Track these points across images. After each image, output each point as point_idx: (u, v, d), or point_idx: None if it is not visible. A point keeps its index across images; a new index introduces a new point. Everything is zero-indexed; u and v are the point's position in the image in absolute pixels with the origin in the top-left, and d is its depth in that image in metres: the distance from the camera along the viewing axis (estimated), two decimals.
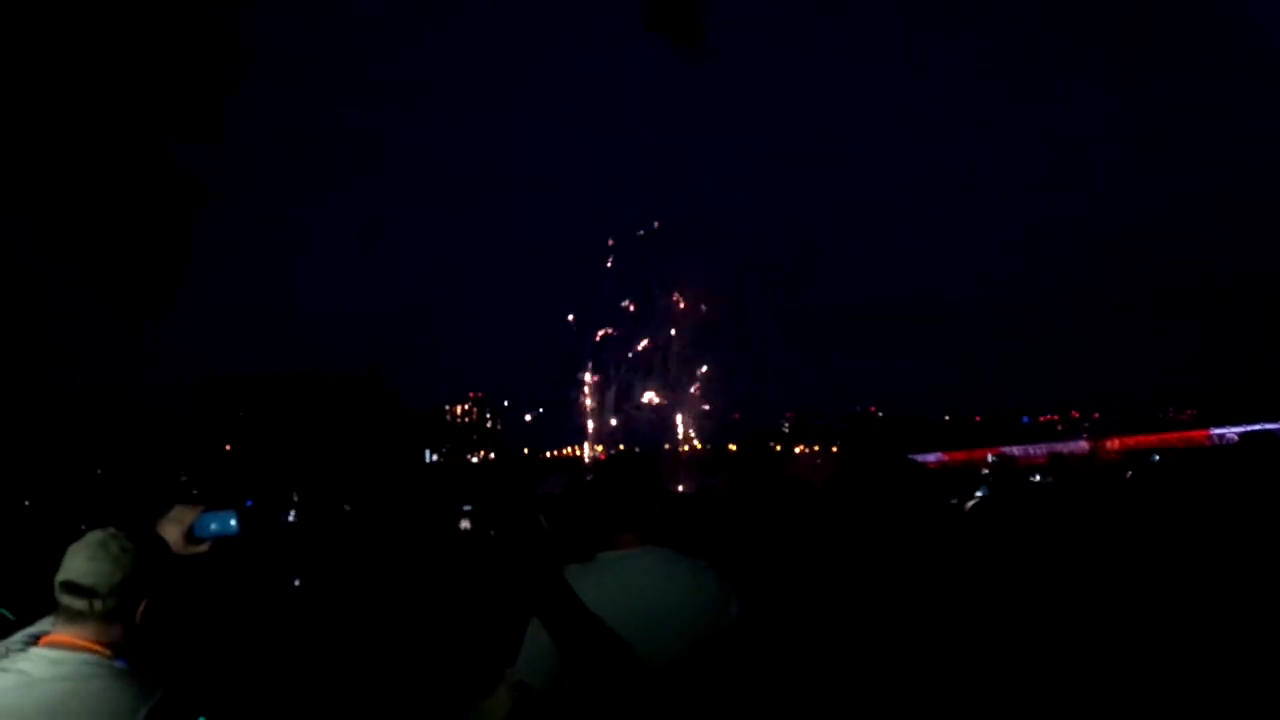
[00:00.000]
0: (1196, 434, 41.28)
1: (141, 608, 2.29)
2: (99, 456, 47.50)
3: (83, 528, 2.61)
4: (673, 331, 56.04)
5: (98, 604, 2.24)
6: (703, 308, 55.07)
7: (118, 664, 2.23)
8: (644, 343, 56.52)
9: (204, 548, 3.05)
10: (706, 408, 57.29)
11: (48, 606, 2.38)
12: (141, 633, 2.31)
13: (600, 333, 56.40)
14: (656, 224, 55.03)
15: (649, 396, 57.91)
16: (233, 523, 3.11)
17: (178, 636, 2.49)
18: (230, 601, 2.89)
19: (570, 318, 55.92)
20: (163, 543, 2.65)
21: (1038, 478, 9.25)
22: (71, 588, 2.26)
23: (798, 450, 76.97)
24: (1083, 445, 44.99)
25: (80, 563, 2.28)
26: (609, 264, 55.46)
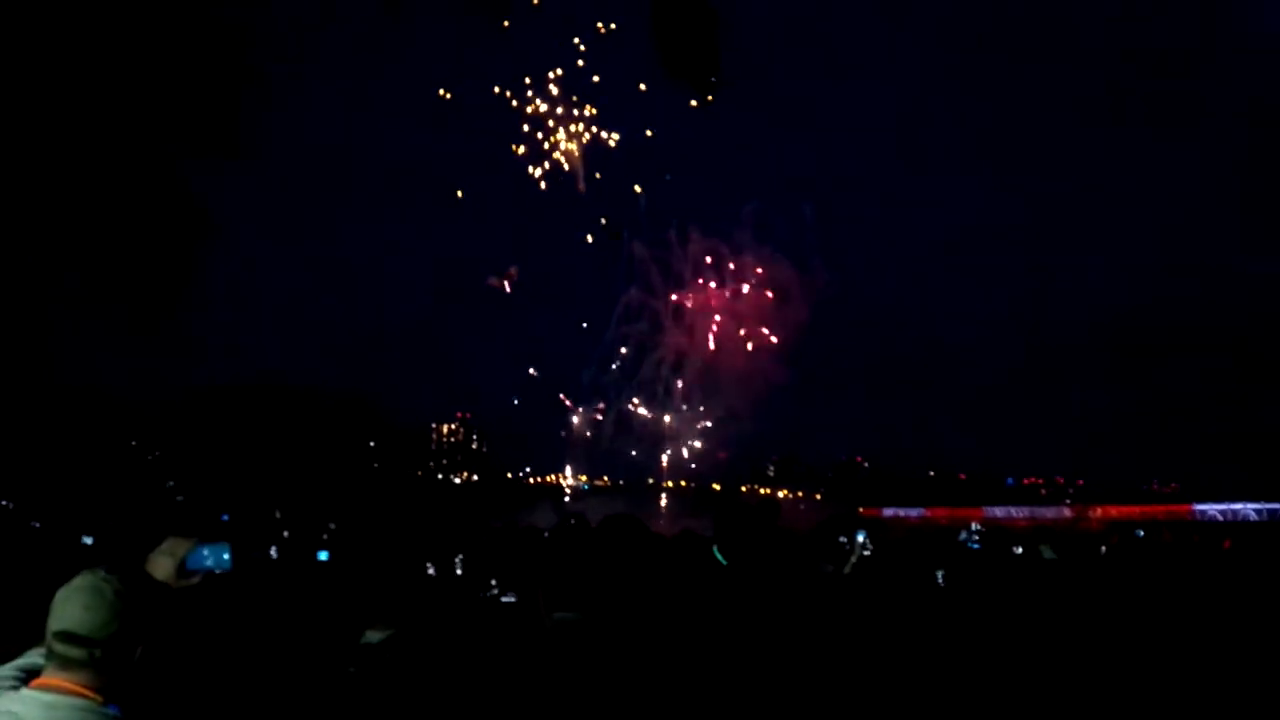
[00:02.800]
0: (1180, 508, 41.33)
1: (136, 653, 2.29)
2: (94, 459, 47.21)
3: (84, 539, 2.62)
4: (667, 364, 56.10)
5: (95, 652, 2.23)
6: (707, 343, 55.25)
7: (110, 710, 2.23)
8: (637, 372, 56.54)
9: (196, 580, 3.06)
10: (697, 444, 57.19)
11: (31, 629, 2.37)
12: (134, 677, 2.30)
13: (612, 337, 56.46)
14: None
15: (636, 425, 57.80)
16: (226, 557, 3.12)
17: (169, 680, 2.49)
18: (221, 643, 2.90)
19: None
20: (156, 584, 2.66)
21: (1020, 549, 9.26)
22: (67, 637, 2.24)
23: (781, 495, 76.77)
24: (1066, 512, 45.02)
25: (75, 611, 2.26)
26: (613, 316, 55.72)
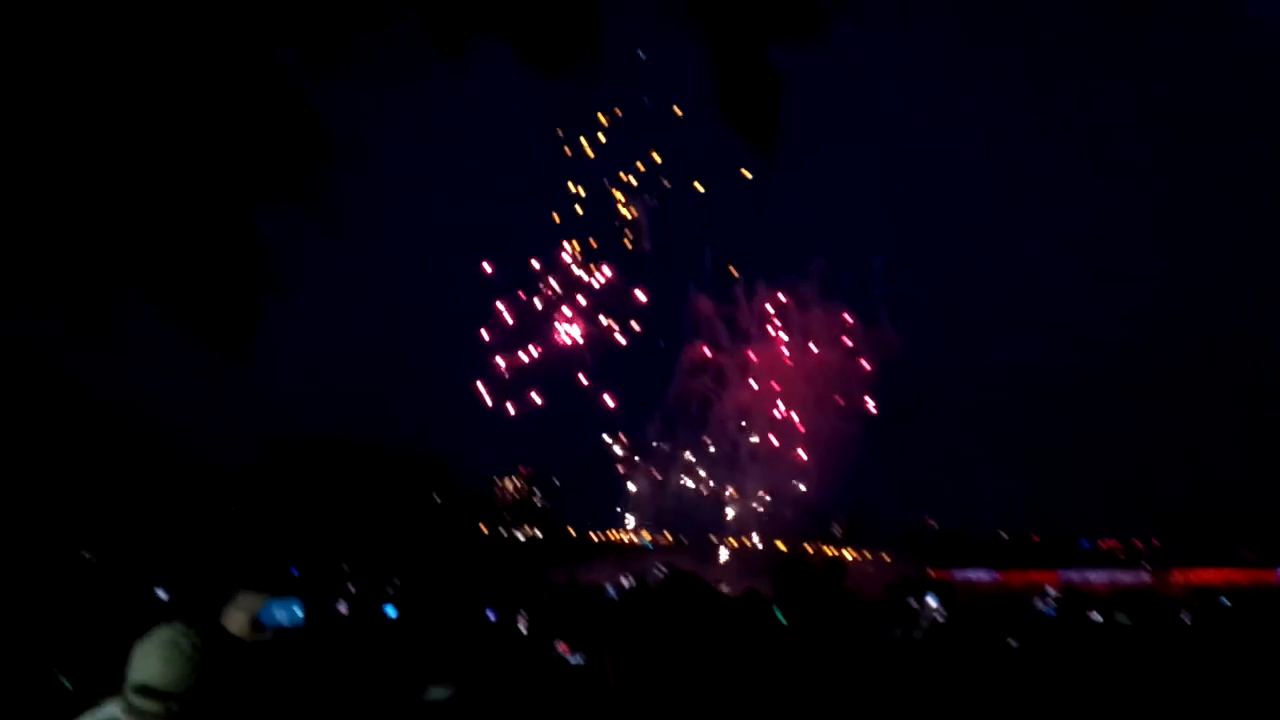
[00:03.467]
0: (1265, 574, 39.71)
1: (212, 707, 2.32)
2: (168, 514, 48.32)
3: (158, 593, 2.67)
4: (731, 419, 55.78)
5: (172, 706, 2.27)
6: (772, 401, 54.91)
7: None
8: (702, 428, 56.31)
9: (269, 636, 3.10)
10: (762, 502, 56.58)
11: (106, 676, 2.41)
12: None
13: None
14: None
15: (699, 482, 57.38)
16: (298, 612, 3.16)
17: None
18: (293, 699, 2.92)
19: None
20: (231, 638, 2.70)
21: (1098, 616, 8.94)
22: (145, 690, 2.28)
23: (849, 555, 75.34)
24: (1145, 577, 43.48)
25: (154, 664, 2.30)
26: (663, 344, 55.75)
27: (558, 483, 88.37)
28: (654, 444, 57.48)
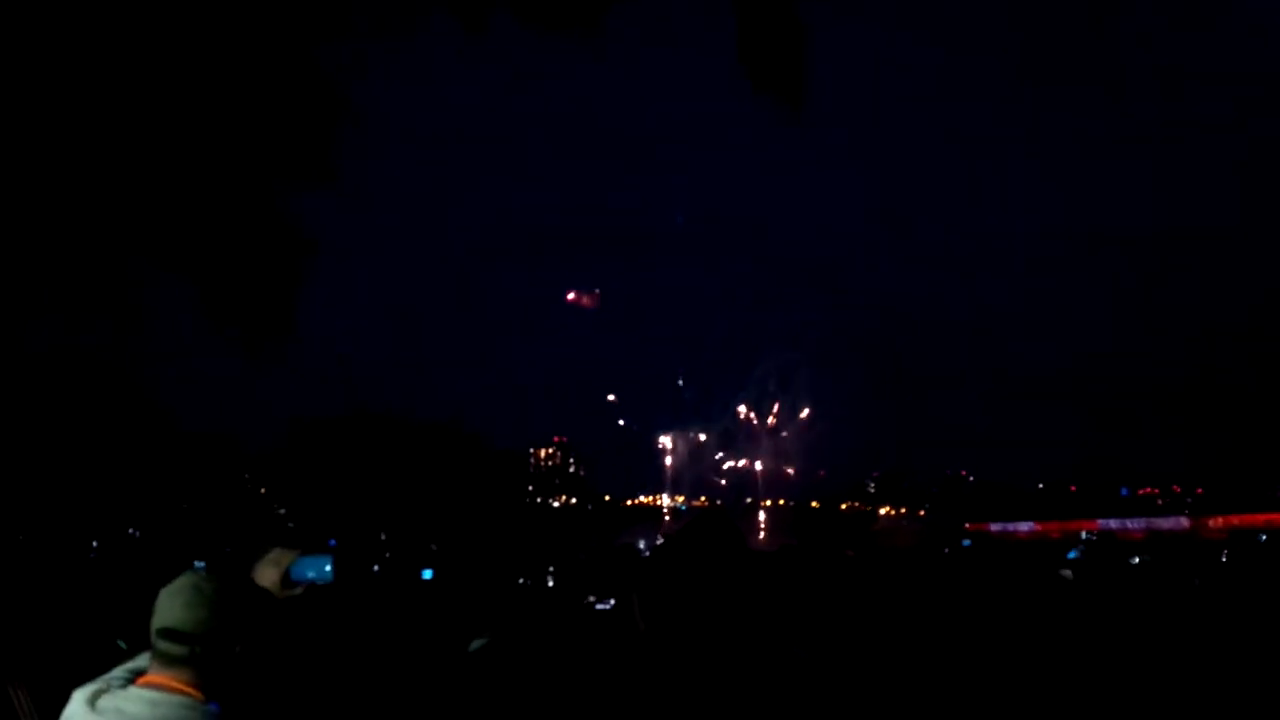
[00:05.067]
0: None
1: (236, 651, 2.39)
2: (207, 492, 49.23)
3: (197, 564, 2.75)
4: (771, 378, 55.64)
5: (195, 649, 2.31)
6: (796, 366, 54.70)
7: (211, 708, 2.29)
8: (737, 399, 56.29)
9: (299, 591, 3.17)
10: (790, 471, 56.60)
11: (145, 642, 2.48)
12: (235, 676, 2.39)
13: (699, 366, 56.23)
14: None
15: (733, 452, 57.50)
16: (328, 569, 3.23)
17: (270, 681, 2.58)
18: (322, 648, 2.99)
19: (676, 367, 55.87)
20: (257, 587, 2.77)
21: (1137, 559, 8.90)
22: (168, 634, 2.32)
23: (883, 512, 75.32)
24: (1183, 522, 43.12)
25: (176, 609, 2.34)
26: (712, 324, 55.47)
27: (592, 450, 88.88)
28: (691, 408, 57.52)
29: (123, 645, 3.57)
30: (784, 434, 56.80)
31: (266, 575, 3.16)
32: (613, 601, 5.17)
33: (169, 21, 11.50)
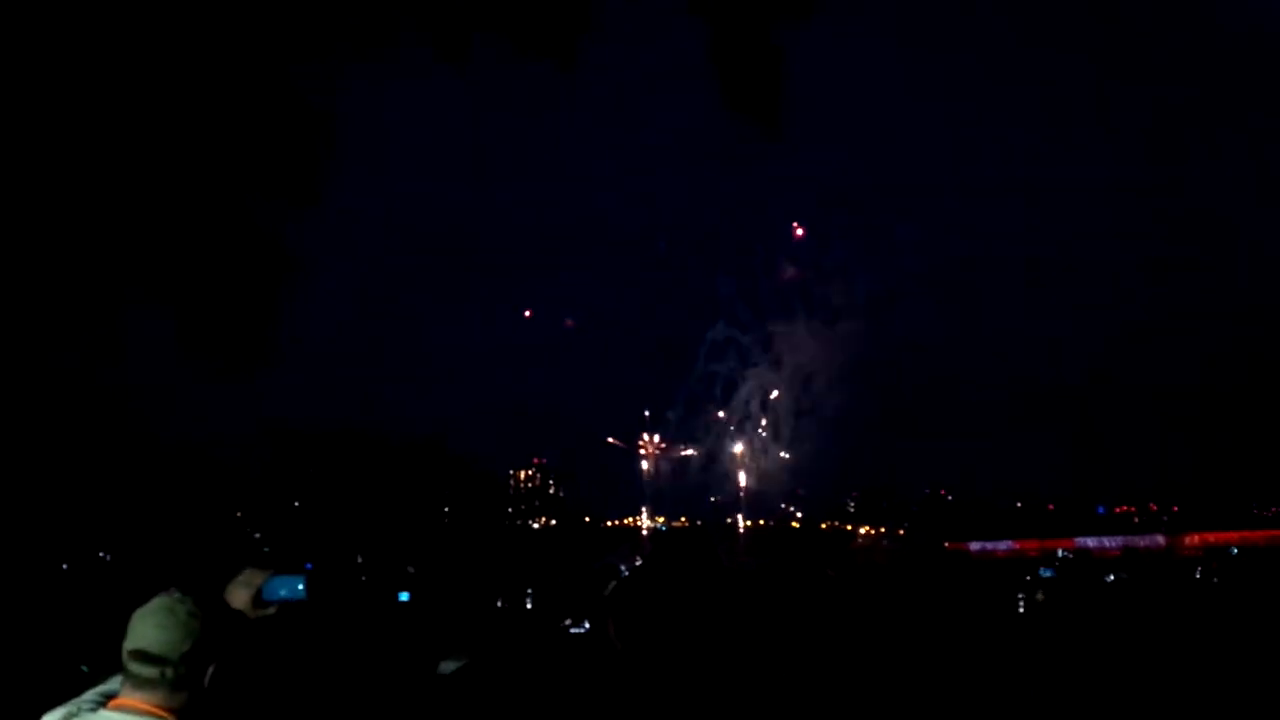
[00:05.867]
0: None
1: (208, 673, 2.36)
2: (180, 511, 48.73)
3: (170, 591, 2.71)
4: (755, 400, 55.65)
5: (167, 672, 2.28)
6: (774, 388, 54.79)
7: None
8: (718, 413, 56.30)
9: (271, 611, 3.14)
10: (777, 482, 56.58)
11: (117, 668, 2.46)
12: (207, 698, 2.37)
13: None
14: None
15: (714, 472, 57.45)
16: (300, 588, 3.20)
17: (242, 702, 2.55)
18: (295, 667, 2.97)
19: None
20: (229, 609, 2.74)
21: (1112, 577, 8.94)
22: (140, 656, 2.30)
23: (862, 531, 75.44)
24: (1160, 540, 43.40)
25: (149, 631, 2.31)
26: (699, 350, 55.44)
27: (572, 473, 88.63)
28: (671, 428, 57.43)
29: (85, 669, 3.53)
30: (764, 454, 56.79)
31: (238, 596, 3.13)
32: (588, 625, 5.15)
33: (151, 43, 11.47)
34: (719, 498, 59.09)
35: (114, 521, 38.82)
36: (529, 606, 6.40)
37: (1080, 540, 46.32)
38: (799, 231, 53.53)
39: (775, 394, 55.37)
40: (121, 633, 2.53)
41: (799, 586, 4.92)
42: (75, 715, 2.31)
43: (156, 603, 2.36)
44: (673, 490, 58.98)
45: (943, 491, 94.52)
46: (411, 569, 13.02)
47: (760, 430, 56.25)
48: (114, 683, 2.45)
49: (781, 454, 56.20)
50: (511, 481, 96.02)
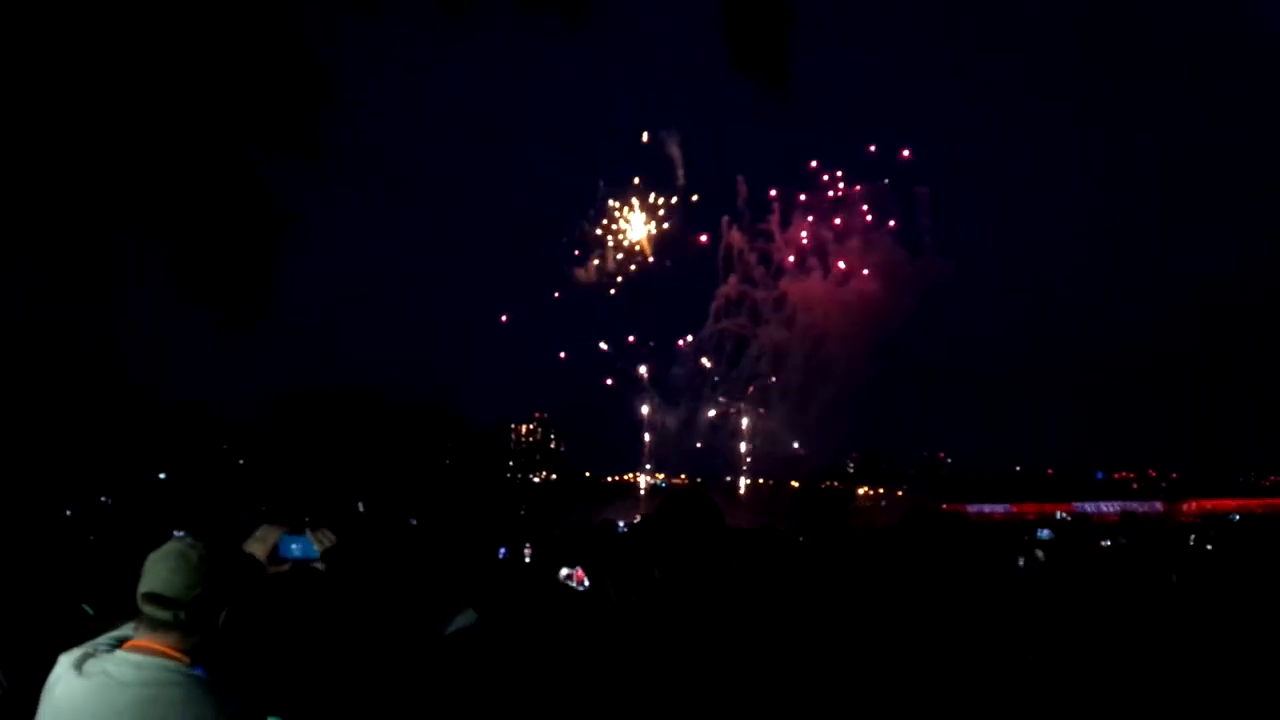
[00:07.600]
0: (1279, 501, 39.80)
1: (221, 617, 2.42)
2: (183, 461, 49.08)
3: (177, 534, 2.76)
4: (765, 359, 55.44)
5: (180, 614, 2.34)
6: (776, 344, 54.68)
7: (196, 671, 2.33)
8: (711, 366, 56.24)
9: (286, 568, 3.19)
10: (777, 441, 56.65)
11: (126, 604, 2.50)
12: (220, 641, 2.42)
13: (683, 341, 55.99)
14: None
15: (718, 423, 57.53)
16: (313, 546, 3.25)
17: (255, 646, 2.60)
18: (307, 616, 3.02)
19: (631, 339, 55.74)
20: (243, 555, 2.79)
21: (1109, 542, 8.99)
22: (154, 599, 2.36)
23: (861, 492, 75.86)
24: (1157, 506, 43.65)
25: (163, 574, 2.37)
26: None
27: (573, 427, 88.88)
28: (675, 384, 57.27)
29: (89, 610, 3.58)
30: (766, 412, 56.86)
31: (254, 552, 3.18)
32: (588, 582, 5.20)
33: None
34: (719, 456, 59.17)
35: (117, 469, 39.11)
36: (527, 560, 6.46)
37: (1078, 505, 46.59)
38: (802, 197, 52.71)
39: (779, 354, 55.15)
40: (123, 573, 2.57)
41: (801, 548, 4.95)
42: (92, 655, 2.37)
43: (170, 547, 2.42)
44: (673, 447, 59.01)
45: (941, 454, 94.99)
46: (414, 522, 13.11)
47: (762, 389, 56.20)
48: (127, 628, 2.50)
49: (782, 414, 56.19)
50: (513, 436, 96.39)
